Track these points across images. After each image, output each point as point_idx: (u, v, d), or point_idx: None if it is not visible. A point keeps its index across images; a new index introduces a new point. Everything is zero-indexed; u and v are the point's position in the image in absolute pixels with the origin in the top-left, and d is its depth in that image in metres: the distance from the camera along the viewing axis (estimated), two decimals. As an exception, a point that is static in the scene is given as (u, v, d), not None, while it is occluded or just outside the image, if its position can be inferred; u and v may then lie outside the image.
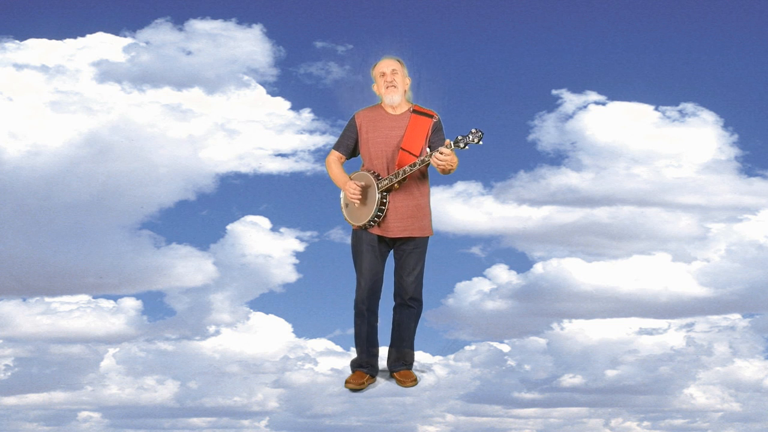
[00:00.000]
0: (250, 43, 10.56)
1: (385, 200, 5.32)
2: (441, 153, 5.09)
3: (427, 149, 5.30)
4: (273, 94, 10.81)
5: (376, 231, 5.38)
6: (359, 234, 5.43)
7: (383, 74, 5.40)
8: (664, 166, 10.35)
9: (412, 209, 5.37)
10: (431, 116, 5.41)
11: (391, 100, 5.39)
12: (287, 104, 10.82)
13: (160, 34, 10.50)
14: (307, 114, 10.83)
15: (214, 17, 10.65)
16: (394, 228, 5.35)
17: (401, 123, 5.39)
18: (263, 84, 10.77)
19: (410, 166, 5.24)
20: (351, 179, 5.41)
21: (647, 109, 10.75)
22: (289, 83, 10.97)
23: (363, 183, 5.36)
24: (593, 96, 10.81)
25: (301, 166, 10.70)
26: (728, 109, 10.77)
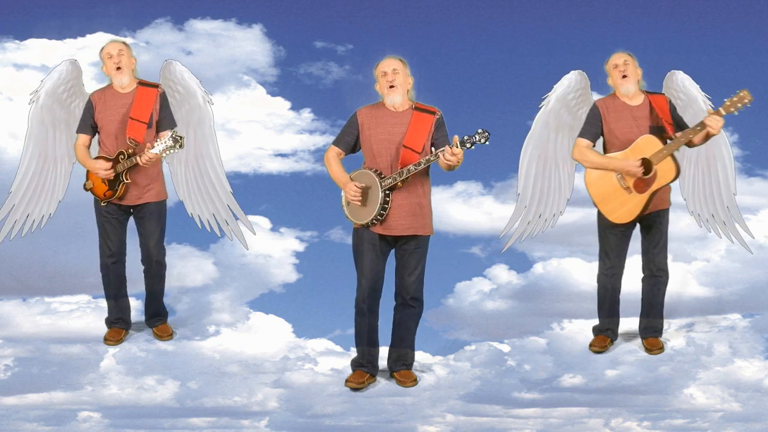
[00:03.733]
0: (250, 43, 10.54)
1: (388, 198, 5.32)
2: (451, 151, 5.08)
3: (431, 148, 5.30)
4: (273, 94, 10.78)
5: (378, 230, 5.37)
6: (360, 233, 5.43)
7: (384, 74, 5.41)
8: (664, 166, 10.33)
9: (414, 207, 5.37)
10: (433, 113, 5.41)
11: (392, 100, 5.40)
12: (287, 104, 10.79)
13: (160, 34, 10.47)
14: (307, 114, 10.81)
15: (214, 17, 10.62)
16: (398, 226, 5.35)
17: (403, 120, 5.39)
18: (263, 84, 10.75)
19: (415, 165, 5.24)
20: (352, 179, 5.41)
21: (647, 109, 10.72)
22: (289, 83, 10.94)
23: (364, 183, 5.36)
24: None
25: (301, 166, 10.68)
26: (728, 109, 10.74)
